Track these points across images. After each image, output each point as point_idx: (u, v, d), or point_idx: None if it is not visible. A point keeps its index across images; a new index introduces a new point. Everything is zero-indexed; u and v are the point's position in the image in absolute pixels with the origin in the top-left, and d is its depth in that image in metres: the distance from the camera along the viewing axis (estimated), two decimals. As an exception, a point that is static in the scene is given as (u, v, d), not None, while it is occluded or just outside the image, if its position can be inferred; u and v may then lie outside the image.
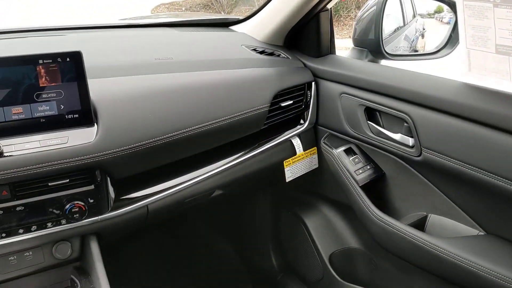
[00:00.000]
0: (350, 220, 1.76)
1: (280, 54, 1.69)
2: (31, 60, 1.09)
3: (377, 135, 1.47)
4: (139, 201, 1.30)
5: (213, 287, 2.10)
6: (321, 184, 1.76)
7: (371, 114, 1.49)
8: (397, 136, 1.41)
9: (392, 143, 1.42)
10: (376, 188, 1.53)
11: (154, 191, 1.33)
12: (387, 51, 1.61)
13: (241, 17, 1.90)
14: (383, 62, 1.64)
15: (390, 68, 1.53)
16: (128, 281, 1.24)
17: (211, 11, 8.41)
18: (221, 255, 2.23)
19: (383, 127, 1.46)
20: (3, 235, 1.12)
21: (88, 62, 1.14)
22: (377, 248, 1.52)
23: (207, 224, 2.22)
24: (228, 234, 2.22)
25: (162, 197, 1.33)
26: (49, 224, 1.16)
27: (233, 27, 1.88)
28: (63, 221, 1.17)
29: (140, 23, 1.96)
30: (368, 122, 1.48)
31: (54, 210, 1.16)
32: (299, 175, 1.63)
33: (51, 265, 1.26)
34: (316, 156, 1.68)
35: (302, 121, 1.65)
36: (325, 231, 1.81)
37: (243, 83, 1.49)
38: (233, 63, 1.55)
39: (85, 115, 1.15)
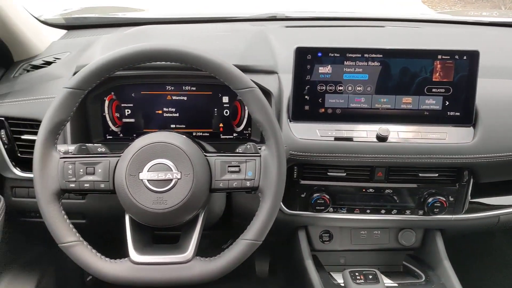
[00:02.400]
0: None
1: None
2: (431, 55, 1.13)
3: None
4: (492, 210, 1.25)
5: None
6: None
7: None
8: None
9: None
10: None
11: (509, 203, 1.26)
12: None
13: None
14: None
15: None
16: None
17: (488, 4, 7.67)
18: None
19: None
20: (368, 211, 1.21)
21: None
22: None
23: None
24: None
25: None
26: (407, 212, 1.21)
27: None
28: (420, 212, 1.21)
29: (472, 21, 1.82)
30: None
31: (416, 200, 1.20)
32: None
33: (392, 248, 1.33)
34: None
35: None
36: None
37: None
38: None
39: (466, 114, 1.15)
